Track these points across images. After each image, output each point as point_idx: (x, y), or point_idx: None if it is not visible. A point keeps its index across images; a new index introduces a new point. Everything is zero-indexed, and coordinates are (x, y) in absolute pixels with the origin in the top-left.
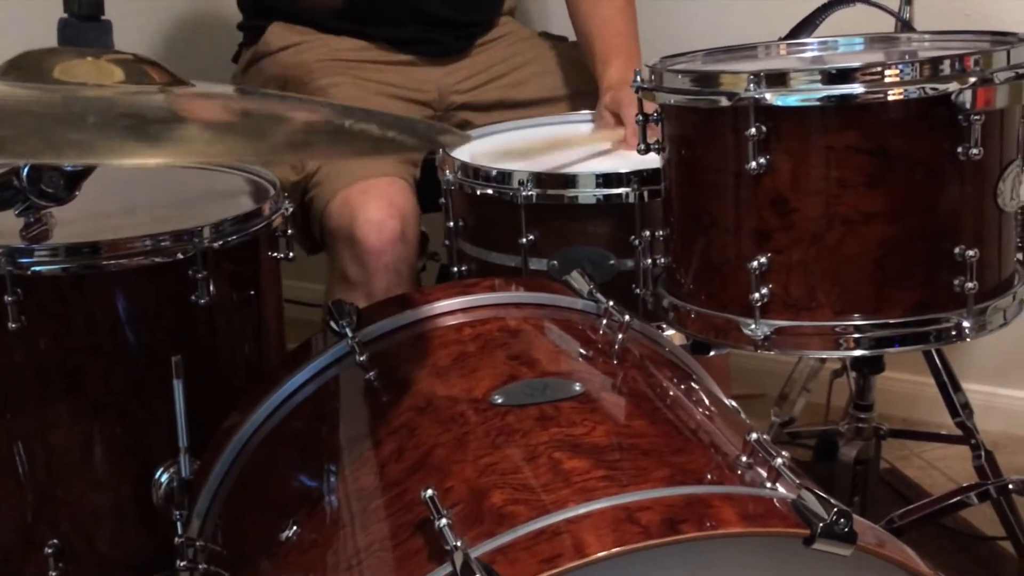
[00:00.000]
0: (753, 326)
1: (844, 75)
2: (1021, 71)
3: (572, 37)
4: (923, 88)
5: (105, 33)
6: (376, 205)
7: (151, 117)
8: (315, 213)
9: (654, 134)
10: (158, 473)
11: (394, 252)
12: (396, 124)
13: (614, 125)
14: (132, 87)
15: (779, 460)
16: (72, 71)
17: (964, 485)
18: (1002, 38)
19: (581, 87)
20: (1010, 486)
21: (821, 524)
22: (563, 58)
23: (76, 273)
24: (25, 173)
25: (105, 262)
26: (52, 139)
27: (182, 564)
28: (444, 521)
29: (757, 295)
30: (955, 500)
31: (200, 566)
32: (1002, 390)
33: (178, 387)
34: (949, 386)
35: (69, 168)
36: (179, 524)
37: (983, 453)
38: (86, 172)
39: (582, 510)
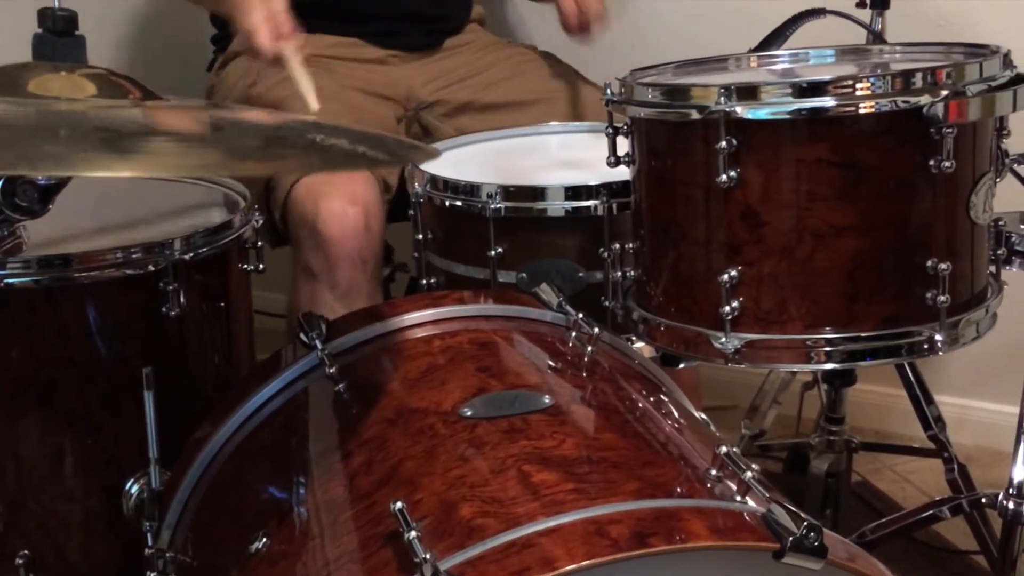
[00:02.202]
0: (723, 339)
1: (815, 88)
2: (993, 84)
3: (540, 46)
4: (895, 101)
5: (79, 48)
6: (338, 194)
7: (124, 130)
8: (276, 201)
9: (624, 147)
10: (128, 484)
11: (356, 241)
12: (366, 139)
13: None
14: (105, 101)
15: (749, 473)
16: (46, 86)
17: (937, 499)
18: (975, 50)
19: (549, 91)
20: (983, 500)
21: (791, 538)
22: (531, 64)
23: (48, 285)
24: None
25: (77, 274)
26: (27, 152)
27: (152, 575)
28: (413, 534)
29: (727, 308)
30: (928, 514)
31: None
32: (975, 403)
33: (148, 398)
34: (922, 399)
35: (43, 182)
36: (149, 535)
37: (956, 466)
38: (60, 186)
39: (551, 523)
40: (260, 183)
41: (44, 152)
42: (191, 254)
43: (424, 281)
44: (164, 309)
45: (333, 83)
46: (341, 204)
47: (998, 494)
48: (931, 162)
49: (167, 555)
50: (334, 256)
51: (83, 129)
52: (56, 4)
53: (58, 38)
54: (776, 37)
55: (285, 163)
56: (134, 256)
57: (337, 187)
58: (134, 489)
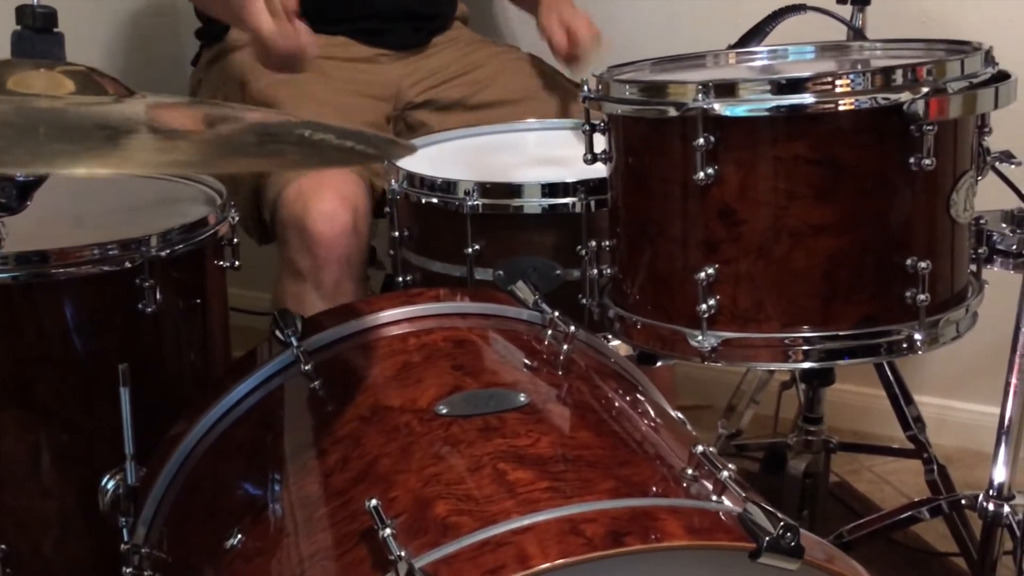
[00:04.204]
0: (700, 337)
1: (794, 85)
2: (975, 81)
3: (524, 47)
4: (875, 98)
5: (57, 45)
6: (329, 196)
7: (107, 127)
8: (268, 200)
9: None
10: (104, 480)
11: (345, 244)
12: (350, 135)
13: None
14: (85, 98)
15: (725, 473)
16: (26, 82)
17: (916, 500)
18: (956, 47)
19: (537, 89)
20: (963, 501)
21: (767, 538)
22: (518, 63)
23: (25, 281)
24: None
25: (54, 270)
26: (37, 150)
27: (128, 571)
28: (388, 531)
29: (704, 306)
30: (907, 515)
31: (145, 573)
32: (956, 403)
33: (125, 395)
34: (901, 399)
35: (21, 179)
36: (125, 531)
37: (936, 467)
38: (38, 182)
39: (526, 521)
40: (247, 181)
41: (26, 151)
42: (167, 251)
43: (400, 278)
44: (140, 305)
45: (324, 87)
46: (331, 205)
47: (978, 495)
48: (911, 160)
49: (142, 551)
50: (322, 257)
51: (64, 126)
52: (35, 1)
53: (37, 35)
54: (756, 33)
55: (273, 161)
56: (111, 252)
57: (328, 188)
58: (110, 485)
